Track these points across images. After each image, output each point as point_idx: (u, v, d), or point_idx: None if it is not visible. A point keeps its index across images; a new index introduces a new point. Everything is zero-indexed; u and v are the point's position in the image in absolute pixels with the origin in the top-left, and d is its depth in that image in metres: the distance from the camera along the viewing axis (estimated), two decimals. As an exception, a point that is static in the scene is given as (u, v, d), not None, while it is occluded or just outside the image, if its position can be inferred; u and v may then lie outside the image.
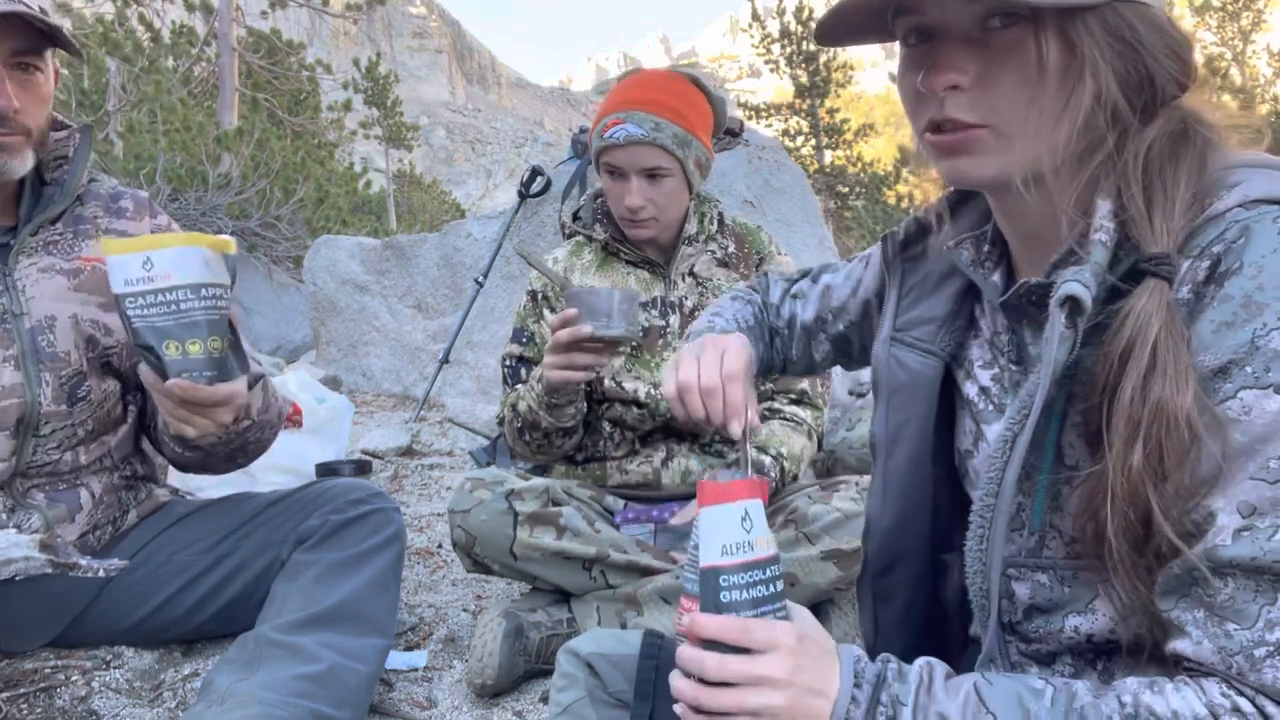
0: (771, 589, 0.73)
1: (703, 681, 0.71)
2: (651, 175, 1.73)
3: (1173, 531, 0.66)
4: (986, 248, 0.88)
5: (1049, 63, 0.71)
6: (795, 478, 1.84)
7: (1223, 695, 0.65)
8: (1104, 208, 0.73)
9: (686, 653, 0.72)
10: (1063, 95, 0.72)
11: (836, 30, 0.80)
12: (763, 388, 1.87)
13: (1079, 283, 0.69)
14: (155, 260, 1.20)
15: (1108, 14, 0.71)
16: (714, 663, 0.70)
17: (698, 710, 0.71)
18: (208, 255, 1.23)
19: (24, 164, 1.39)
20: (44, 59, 1.39)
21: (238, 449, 1.51)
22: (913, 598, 0.96)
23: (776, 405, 1.87)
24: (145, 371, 1.26)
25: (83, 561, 1.29)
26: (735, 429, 0.99)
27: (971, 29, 0.73)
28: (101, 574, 1.30)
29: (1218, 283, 0.67)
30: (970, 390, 0.91)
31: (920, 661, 0.74)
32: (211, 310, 1.22)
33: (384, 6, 16.06)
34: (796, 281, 1.24)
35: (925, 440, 0.92)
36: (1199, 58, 0.77)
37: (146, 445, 1.63)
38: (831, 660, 0.73)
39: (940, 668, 0.74)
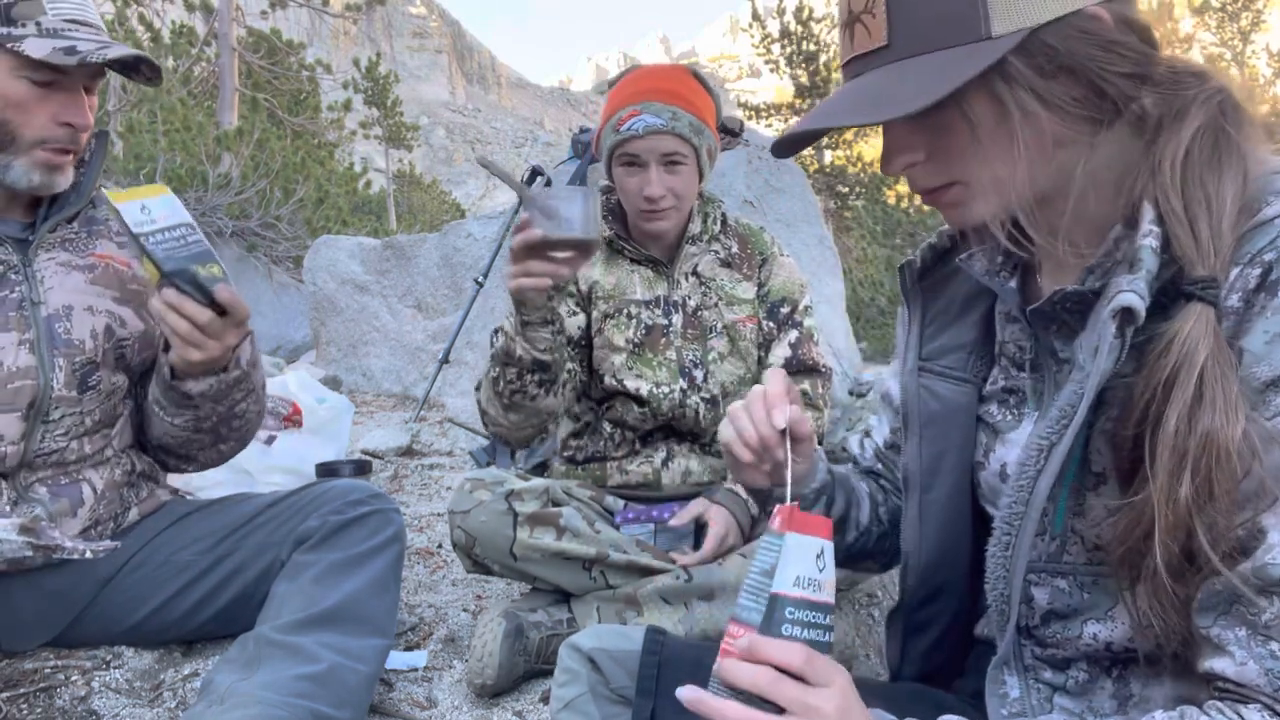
0: (826, 636, 0.71)
1: (748, 703, 0.67)
2: (670, 163, 1.74)
3: (1217, 551, 0.64)
4: (1000, 258, 0.86)
5: (980, 125, 0.72)
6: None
7: None
8: (1150, 213, 0.71)
9: (738, 667, 0.68)
10: (1005, 146, 0.72)
11: (799, 143, 0.79)
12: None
13: (1134, 294, 0.67)
14: (150, 206, 1.37)
15: (1032, 47, 0.69)
16: (767, 679, 0.67)
17: None
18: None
19: (67, 180, 1.49)
20: (103, 75, 1.50)
21: (223, 419, 1.52)
22: (948, 629, 0.94)
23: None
24: (166, 295, 1.32)
25: (66, 544, 1.29)
26: (778, 418, 0.88)
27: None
28: (89, 555, 1.30)
29: (1269, 291, 0.66)
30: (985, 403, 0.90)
31: None
32: (205, 241, 1.39)
33: (384, 6, 16.05)
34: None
35: (965, 470, 0.91)
36: (1155, 41, 0.73)
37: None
38: None
39: None
